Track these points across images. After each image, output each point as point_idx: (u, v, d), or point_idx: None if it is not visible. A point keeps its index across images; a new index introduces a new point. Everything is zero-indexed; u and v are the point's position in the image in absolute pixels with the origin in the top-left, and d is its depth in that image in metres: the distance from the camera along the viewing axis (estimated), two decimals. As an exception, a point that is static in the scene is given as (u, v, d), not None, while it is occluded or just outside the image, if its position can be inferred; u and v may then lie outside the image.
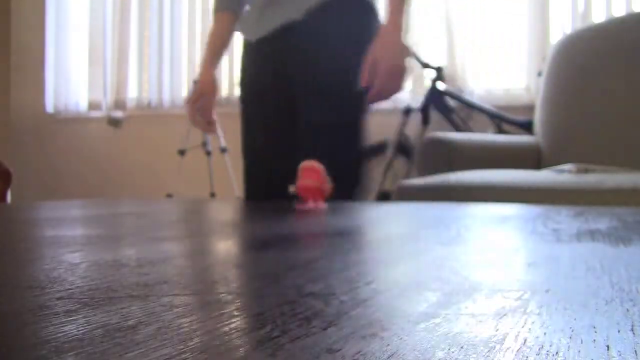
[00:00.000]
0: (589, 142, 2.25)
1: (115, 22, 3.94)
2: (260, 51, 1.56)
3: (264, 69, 1.55)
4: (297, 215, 0.85)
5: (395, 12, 1.42)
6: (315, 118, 1.48)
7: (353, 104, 1.50)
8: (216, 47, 1.65)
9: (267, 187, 1.54)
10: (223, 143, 3.35)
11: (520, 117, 2.88)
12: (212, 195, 3.42)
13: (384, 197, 2.93)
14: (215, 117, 1.64)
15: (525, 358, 0.23)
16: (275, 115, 1.55)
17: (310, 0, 1.47)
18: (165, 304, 0.31)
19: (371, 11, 1.50)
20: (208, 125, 1.62)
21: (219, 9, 1.66)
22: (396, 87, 1.41)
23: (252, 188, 1.56)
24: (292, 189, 1.03)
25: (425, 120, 2.91)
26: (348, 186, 1.51)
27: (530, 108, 2.80)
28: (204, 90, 1.60)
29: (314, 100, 1.48)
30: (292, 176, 1.32)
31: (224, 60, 3.73)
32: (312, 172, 1.03)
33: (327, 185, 1.04)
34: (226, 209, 0.98)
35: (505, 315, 0.29)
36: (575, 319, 0.28)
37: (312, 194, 1.02)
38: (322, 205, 1.03)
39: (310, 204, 1.03)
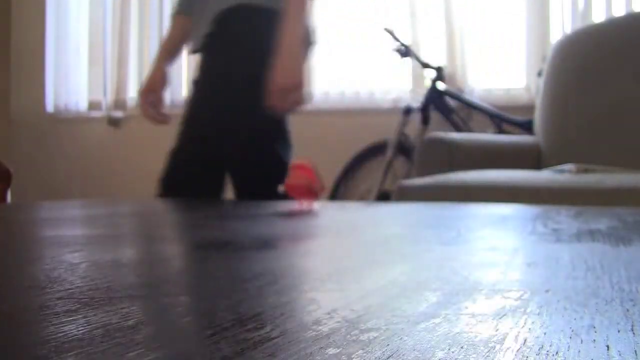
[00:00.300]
0: (589, 142, 2.25)
1: (115, 22, 3.94)
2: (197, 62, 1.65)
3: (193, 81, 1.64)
4: (290, 215, 0.85)
5: (292, 22, 1.43)
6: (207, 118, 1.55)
7: (248, 109, 1.53)
8: (169, 46, 1.72)
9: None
10: (223, 143, 3.34)
11: (520, 117, 2.88)
12: (212, 195, 3.41)
13: (384, 197, 2.93)
14: (165, 110, 1.72)
15: (525, 358, 0.23)
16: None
17: (215, 12, 1.52)
18: (165, 304, 0.31)
19: (274, 18, 1.51)
20: (160, 117, 1.69)
21: (176, 13, 1.73)
22: (293, 103, 1.44)
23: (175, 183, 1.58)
24: (281, 188, 1.00)
25: (425, 120, 2.91)
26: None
27: (530, 108, 2.80)
28: (155, 84, 1.68)
29: (210, 104, 1.55)
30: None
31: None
32: (302, 171, 1.00)
33: (318, 184, 1.00)
34: (224, 209, 0.98)
35: (505, 315, 0.29)
36: (575, 319, 0.29)
37: (302, 192, 0.99)
38: (313, 204, 1.01)
39: (300, 203, 1.00)
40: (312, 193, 0.99)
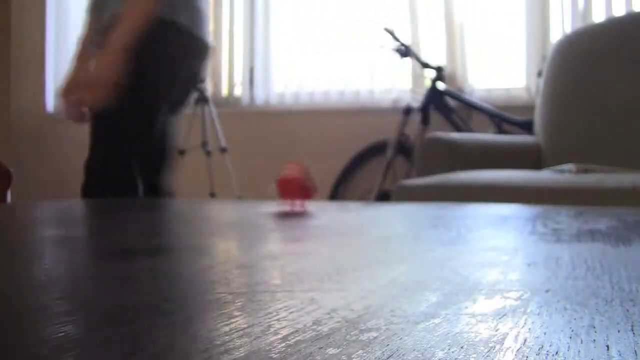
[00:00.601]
0: (589, 142, 2.25)
1: (115, 22, 3.93)
2: None
3: None
4: (283, 216, 0.85)
5: (122, 29, 1.55)
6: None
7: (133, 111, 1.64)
8: (87, 43, 1.78)
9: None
10: (223, 143, 3.35)
11: (520, 117, 2.88)
12: (212, 195, 3.42)
13: (384, 197, 2.93)
14: (86, 109, 1.78)
15: (525, 358, 0.23)
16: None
17: (105, 19, 1.63)
18: (166, 304, 0.31)
19: (157, 25, 1.60)
20: (80, 117, 1.75)
21: (88, 10, 1.80)
22: (91, 97, 1.56)
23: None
24: (272, 187, 0.97)
25: (425, 120, 2.91)
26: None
27: (530, 108, 2.80)
28: (77, 83, 1.73)
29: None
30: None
31: (224, 61, 3.73)
32: (293, 172, 0.96)
33: (311, 186, 0.97)
34: (225, 209, 0.98)
35: (505, 315, 0.29)
36: (575, 319, 0.29)
37: (293, 193, 0.95)
38: (304, 205, 0.99)
39: (291, 204, 0.97)
40: (303, 194, 0.96)
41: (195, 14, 1.67)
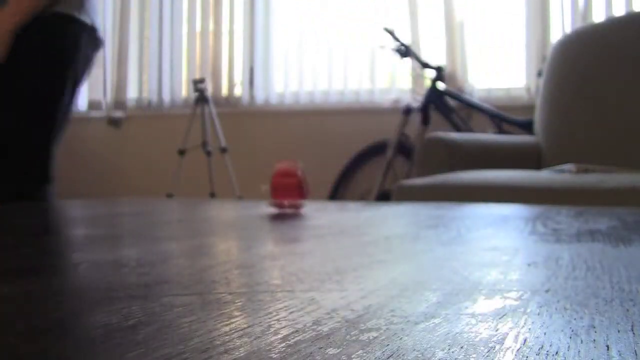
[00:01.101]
0: (589, 142, 2.25)
1: (115, 22, 3.94)
2: None
3: None
4: (279, 216, 0.85)
5: (11, 13, 1.55)
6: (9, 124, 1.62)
7: (41, 111, 1.63)
8: None
9: None
10: (223, 143, 3.35)
11: (520, 117, 2.87)
12: (212, 195, 3.42)
13: (384, 197, 2.93)
14: None
15: (525, 358, 0.23)
16: None
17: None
18: (165, 304, 0.31)
19: (68, 24, 1.61)
20: None
21: None
22: None
23: None
24: (264, 187, 0.96)
25: (425, 120, 2.91)
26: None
27: (530, 108, 2.80)
28: None
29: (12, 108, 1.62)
30: None
31: (224, 60, 3.73)
32: (288, 171, 0.95)
33: (305, 185, 0.95)
34: (227, 209, 0.98)
35: (505, 315, 0.29)
36: (575, 319, 0.29)
37: (287, 193, 0.94)
38: (300, 205, 0.98)
39: (286, 204, 0.96)
40: (298, 194, 0.94)
41: (96, 11, 1.71)
